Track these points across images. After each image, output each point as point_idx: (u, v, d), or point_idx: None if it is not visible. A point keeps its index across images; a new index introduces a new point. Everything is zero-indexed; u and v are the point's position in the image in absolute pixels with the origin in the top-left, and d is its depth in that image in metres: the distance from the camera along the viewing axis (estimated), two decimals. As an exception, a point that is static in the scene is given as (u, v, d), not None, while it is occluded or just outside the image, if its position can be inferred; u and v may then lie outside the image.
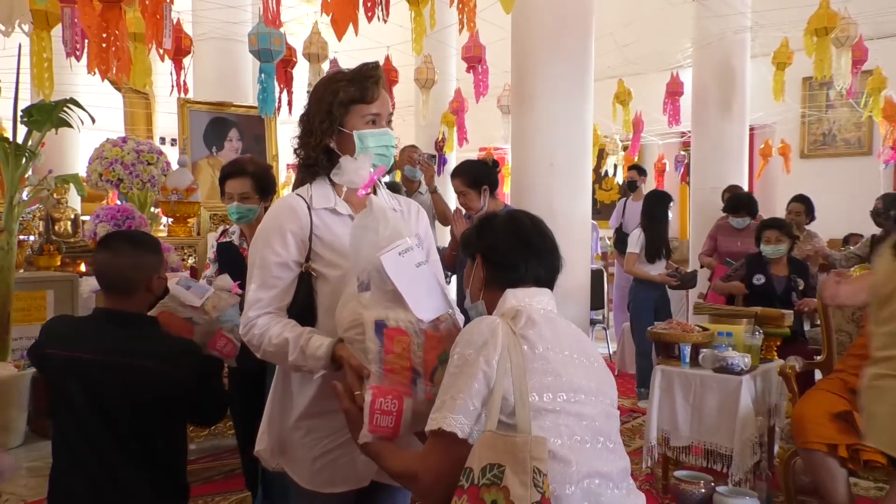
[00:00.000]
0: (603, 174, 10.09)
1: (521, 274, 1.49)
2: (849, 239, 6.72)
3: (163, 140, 11.39)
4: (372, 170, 1.56)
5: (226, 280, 2.23)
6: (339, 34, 2.96)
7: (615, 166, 9.41)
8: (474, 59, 5.29)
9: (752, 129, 8.62)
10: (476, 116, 7.24)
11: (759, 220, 5.53)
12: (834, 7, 4.81)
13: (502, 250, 1.51)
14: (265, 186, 2.79)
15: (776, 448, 3.43)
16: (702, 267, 5.69)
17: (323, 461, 1.66)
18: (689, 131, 8.73)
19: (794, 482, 3.21)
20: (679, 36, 7.23)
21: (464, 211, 3.65)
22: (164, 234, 4.28)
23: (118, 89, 8.73)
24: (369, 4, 2.88)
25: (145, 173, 4.48)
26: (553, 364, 1.33)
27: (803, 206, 5.67)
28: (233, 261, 2.77)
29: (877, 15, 5.64)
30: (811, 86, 8.76)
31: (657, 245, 5.18)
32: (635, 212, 6.06)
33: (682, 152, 9.53)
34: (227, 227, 3.03)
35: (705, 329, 3.56)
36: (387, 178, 4.53)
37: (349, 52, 6.24)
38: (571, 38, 4.29)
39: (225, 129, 4.84)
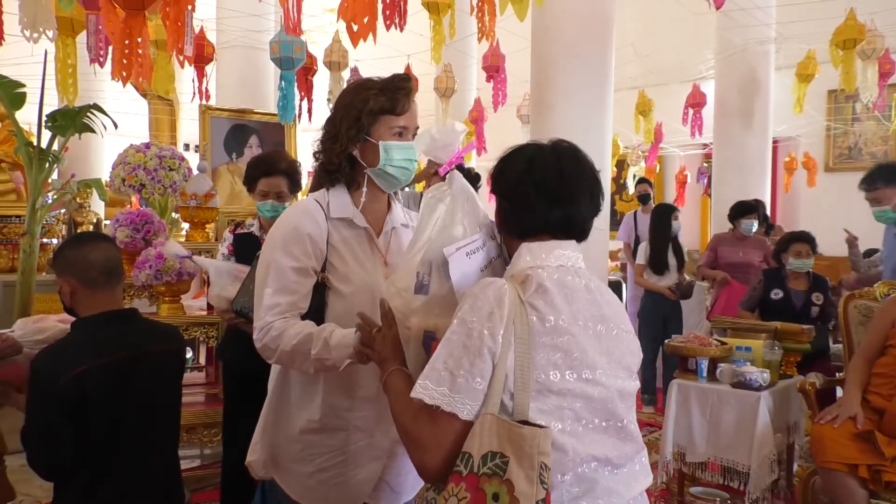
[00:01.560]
0: (623, 185, 10.02)
1: (536, 222, 1.31)
2: (871, 254, 6.59)
3: (186, 146, 11.54)
4: (460, 147, 1.45)
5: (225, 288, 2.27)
6: (355, 41, 2.97)
7: (635, 177, 9.36)
8: (493, 68, 5.29)
9: (775, 141, 8.52)
10: (495, 126, 7.24)
11: (777, 231, 5.46)
12: (861, 19, 4.74)
13: (514, 192, 1.33)
14: (296, 181, 2.84)
15: (795, 466, 3.36)
16: (703, 279, 5.60)
17: (318, 478, 1.63)
18: (710, 143, 8.68)
19: (813, 502, 3.14)
20: (702, 47, 7.18)
21: None
22: (183, 240, 4.32)
23: (143, 96, 8.86)
24: (388, 13, 2.89)
25: (167, 178, 4.52)
26: (564, 338, 1.20)
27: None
28: (253, 250, 2.77)
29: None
30: (837, 98, 8.64)
31: (660, 256, 5.24)
32: (647, 224, 6.03)
33: (705, 164, 9.45)
34: (239, 222, 3.05)
35: (723, 343, 3.50)
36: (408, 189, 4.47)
37: (369, 61, 6.28)
38: (591, 47, 4.28)
39: (245, 135, 4.87)
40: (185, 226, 5.94)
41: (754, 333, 3.63)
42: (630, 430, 1.27)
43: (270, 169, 2.77)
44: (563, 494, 1.19)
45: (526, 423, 1.14)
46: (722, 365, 3.38)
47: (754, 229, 5.13)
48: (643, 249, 5.40)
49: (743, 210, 5.21)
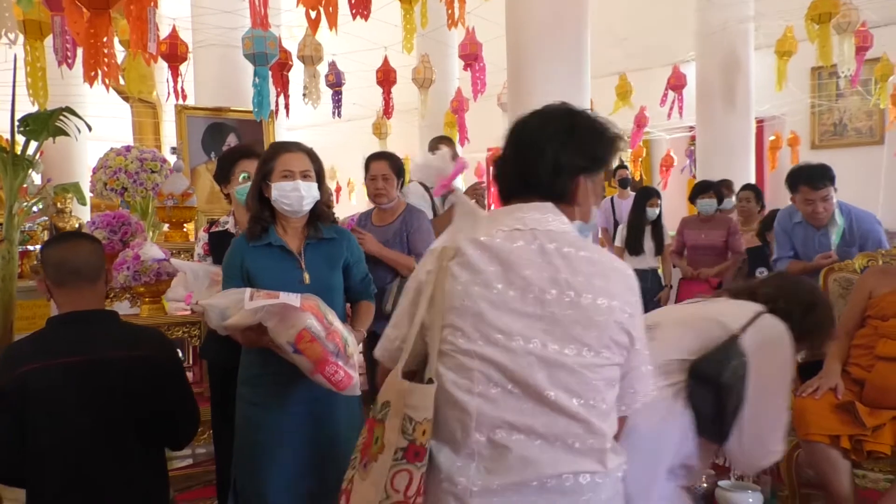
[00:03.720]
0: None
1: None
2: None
3: (173, 149, 11.48)
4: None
5: (176, 291, 2.26)
6: (314, 28, 2.94)
7: (621, 161, 9.34)
8: (471, 56, 5.26)
9: (760, 121, 8.51)
10: (477, 115, 7.22)
11: (764, 213, 5.44)
12: (834, -7, 4.73)
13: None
14: None
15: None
16: (674, 266, 5.61)
17: None
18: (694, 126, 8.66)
19: (797, 475, 3.14)
20: (682, 29, 7.16)
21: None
22: (160, 241, 4.30)
23: (125, 99, 8.81)
24: (353, 1, 2.86)
25: (149, 181, 4.49)
26: (475, 301, 1.23)
27: (752, 192, 5.49)
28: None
29: (881, 1, 5.54)
30: (820, 75, 8.64)
31: (636, 238, 5.35)
32: (625, 209, 6.09)
33: (692, 147, 9.43)
34: (213, 220, 2.97)
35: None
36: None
37: (346, 54, 6.26)
38: (566, 31, 4.26)
39: (223, 134, 4.85)
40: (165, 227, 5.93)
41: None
42: (558, 404, 1.21)
43: (249, 152, 2.72)
44: (474, 454, 1.22)
45: (431, 381, 1.24)
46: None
47: (712, 209, 4.98)
48: (621, 232, 5.46)
49: (699, 190, 5.12)
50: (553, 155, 1.31)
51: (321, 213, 2.30)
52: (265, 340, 1.99)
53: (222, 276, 2.29)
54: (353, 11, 2.86)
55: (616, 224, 6.55)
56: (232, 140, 4.87)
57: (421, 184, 4.26)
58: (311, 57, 4.70)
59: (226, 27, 5.70)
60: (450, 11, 3.30)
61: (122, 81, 5.40)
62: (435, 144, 4.36)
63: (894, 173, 8.23)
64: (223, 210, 4.58)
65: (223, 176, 2.76)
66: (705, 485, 3.19)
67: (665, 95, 6.91)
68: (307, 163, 2.24)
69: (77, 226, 5.51)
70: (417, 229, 3.30)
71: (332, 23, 2.86)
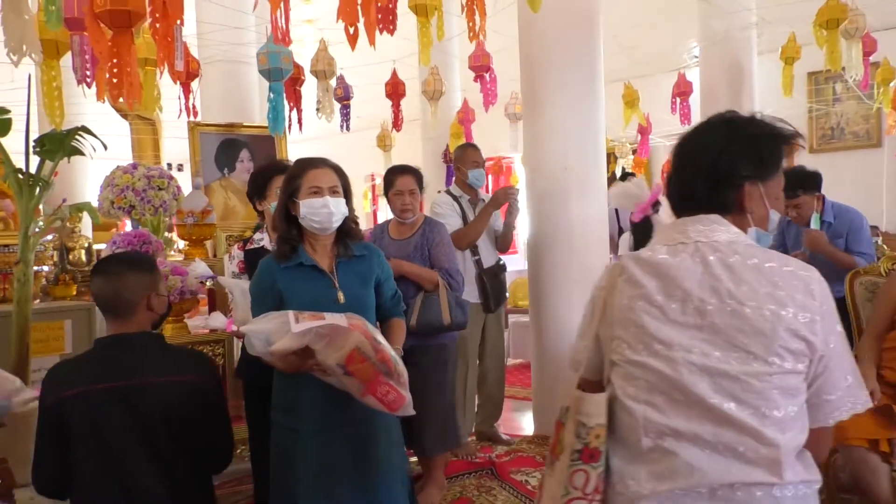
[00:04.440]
0: (612, 178, 10.06)
1: (672, 200, 1.44)
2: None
3: (169, 165, 11.44)
4: None
5: (217, 319, 2.22)
6: (353, 44, 2.93)
7: (623, 169, 9.38)
8: (482, 67, 5.27)
9: (760, 126, 8.55)
10: (482, 126, 7.23)
11: None
12: (841, -1, 4.79)
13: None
14: None
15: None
16: None
17: None
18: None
19: (835, 480, 3.14)
20: (684, 36, 7.21)
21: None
22: (181, 258, 4.27)
23: (124, 117, 8.76)
24: (381, 16, 2.86)
25: (157, 198, 4.47)
26: (632, 315, 1.32)
27: None
28: None
29: (882, 6, 5.60)
30: (817, 80, 8.72)
31: (643, 246, 5.27)
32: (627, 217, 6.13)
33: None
34: (247, 238, 2.96)
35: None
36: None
37: (354, 69, 6.25)
38: (579, 41, 4.27)
39: (236, 150, 4.83)
40: (179, 244, 5.88)
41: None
42: (723, 412, 1.23)
43: (284, 167, 2.72)
44: (643, 459, 1.30)
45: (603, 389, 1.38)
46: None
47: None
48: (626, 241, 5.46)
49: None
50: (710, 167, 1.36)
51: (350, 229, 2.28)
52: (309, 365, 1.96)
53: (252, 300, 2.25)
54: (380, 27, 2.85)
55: (620, 232, 6.59)
56: (245, 156, 4.85)
57: (448, 192, 4.27)
58: (323, 71, 4.70)
59: (233, 42, 5.69)
60: (470, 24, 3.29)
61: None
62: (463, 150, 4.38)
63: (894, 177, 8.31)
64: (240, 226, 4.57)
65: (258, 192, 2.75)
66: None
67: (674, 103, 6.95)
68: (335, 178, 2.22)
69: (86, 246, 5.46)
70: (439, 242, 3.29)
71: (372, 39, 2.85)
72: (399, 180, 3.35)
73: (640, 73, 7.99)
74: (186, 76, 4.76)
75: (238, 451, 3.68)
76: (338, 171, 2.26)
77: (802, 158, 8.79)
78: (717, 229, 1.35)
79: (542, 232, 4.41)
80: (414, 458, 3.41)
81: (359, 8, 2.70)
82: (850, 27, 4.79)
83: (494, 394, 4.52)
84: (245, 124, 4.99)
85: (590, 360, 1.44)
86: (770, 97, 7.13)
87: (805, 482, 1.28)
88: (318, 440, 2.14)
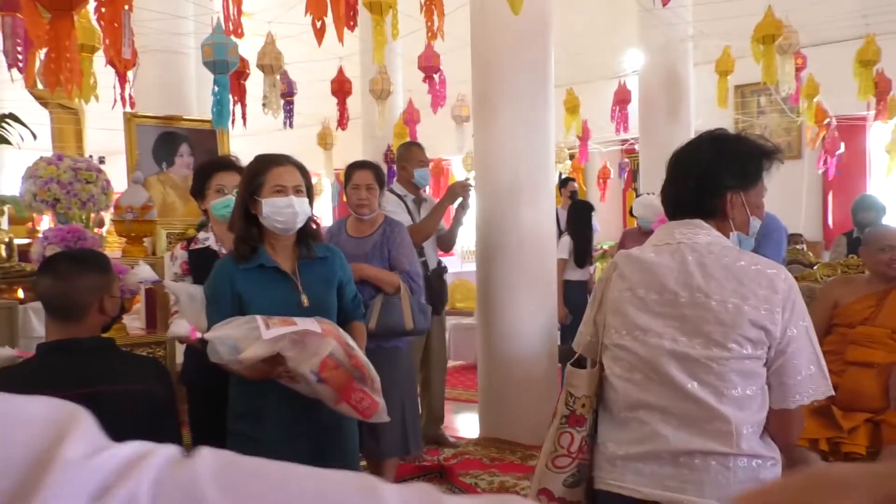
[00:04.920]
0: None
1: (667, 207, 1.63)
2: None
3: (91, 157, 10.91)
4: None
5: (181, 326, 2.04)
6: (320, 39, 2.85)
7: (560, 175, 9.55)
8: (432, 68, 5.24)
9: (690, 135, 8.88)
10: (426, 127, 7.21)
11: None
12: (776, 16, 5.00)
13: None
14: None
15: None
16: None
17: None
18: (631, 139, 8.96)
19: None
20: (625, 45, 7.40)
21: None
22: (119, 256, 4.05)
23: (44, 105, 8.30)
24: (351, 13, 2.79)
25: (84, 192, 4.23)
26: (620, 305, 1.54)
27: None
28: (212, 267, 2.59)
29: (809, 24, 5.90)
30: (743, 93, 9.11)
31: (586, 251, 5.58)
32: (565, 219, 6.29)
33: (626, 159, 9.75)
34: (190, 237, 2.80)
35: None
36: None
37: (299, 64, 6.12)
38: (532, 45, 4.31)
39: (175, 143, 4.63)
40: (105, 238, 5.60)
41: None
42: (686, 389, 1.44)
43: (225, 164, 2.62)
44: (621, 426, 1.52)
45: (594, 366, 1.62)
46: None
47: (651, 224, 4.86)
48: (565, 243, 5.53)
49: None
50: (698, 177, 1.55)
51: (311, 230, 2.17)
52: (278, 372, 1.87)
53: (207, 303, 2.13)
54: (351, 24, 2.78)
55: (560, 234, 6.70)
56: (184, 150, 4.66)
57: (391, 191, 4.18)
58: (270, 66, 4.56)
59: (170, 32, 5.47)
60: (428, 23, 3.26)
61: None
62: (408, 148, 4.30)
63: (814, 188, 8.77)
64: (181, 223, 4.38)
65: (198, 190, 2.62)
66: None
67: (614, 110, 7.11)
68: (299, 177, 2.12)
69: (7, 241, 5.12)
70: (401, 243, 3.21)
71: (340, 34, 2.77)
72: (356, 174, 3.24)
73: (581, 79, 8.15)
74: (127, 65, 4.53)
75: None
76: (301, 169, 2.17)
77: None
78: (699, 233, 1.53)
79: (491, 235, 4.42)
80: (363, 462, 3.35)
81: (328, 2, 2.63)
82: (784, 43, 5.02)
83: (438, 396, 4.50)
84: (185, 117, 4.79)
85: (589, 342, 1.66)
86: (704, 107, 7.40)
87: (759, 456, 1.44)
88: (283, 450, 2.00)
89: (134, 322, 4.15)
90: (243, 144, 5.85)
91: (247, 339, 1.80)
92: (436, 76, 5.31)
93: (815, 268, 3.70)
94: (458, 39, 4.63)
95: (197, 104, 5.99)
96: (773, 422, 1.48)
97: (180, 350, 4.35)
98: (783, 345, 1.46)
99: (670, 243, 1.54)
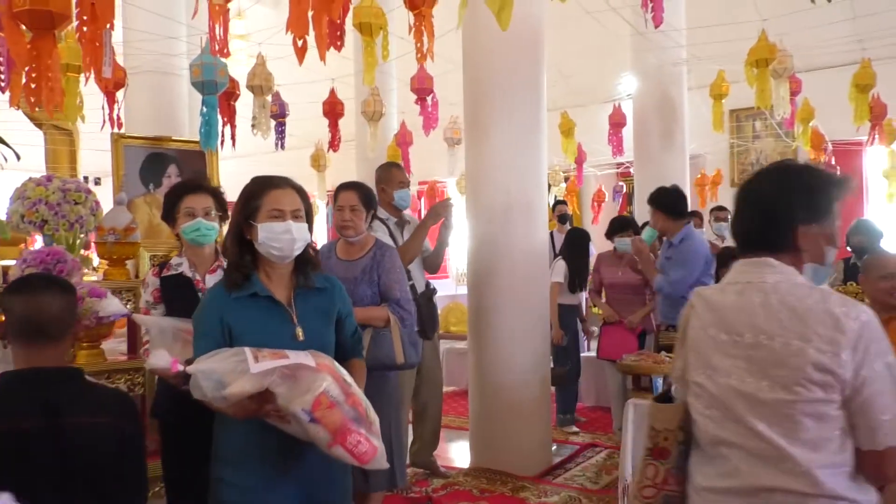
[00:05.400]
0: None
1: (738, 242, 1.64)
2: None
3: (86, 179, 10.88)
4: None
5: (161, 358, 1.78)
6: (301, 57, 2.80)
7: (555, 198, 9.52)
8: (425, 90, 5.20)
9: (686, 158, 8.87)
10: (419, 149, 7.17)
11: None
12: (770, 40, 4.99)
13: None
14: (223, 203, 2.61)
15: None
16: (594, 306, 5.74)
17: None
18: (626, 162, 8.93)
19: None
20: (619, 69, 7.39)
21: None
22: (99, 279, 3.96)
23: (39, 126, 8.26)
24: (330, 31, 2.74)
25: (72, 213, 4.16)
26: (697, 343, 1.58)
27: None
28: (186, 297, 2.45)
29: (804, 49, 5.90)
30: (738, 118, 9.11)
31: (580, 278, 5.52)
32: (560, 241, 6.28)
33: (620, 183, 9.73)
34: (163, 262, 2.70)
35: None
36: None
37: (291, 86, 6.09)
38: (524, 67, 4.28)
39: (163, 165, 4.56)
40: (94, 262, 5.52)
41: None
42: (756, 430, 1.45)
43: (194, 186, 2.53)
44: (707, 459, 1.56)
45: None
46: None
47: (629, 248, 4.70)
48: (560, 268, 5.49)
49: (617, 227, 4.99)
50: (767, 211, 1.55)
51: (310, 258, 2.02)
52: (267, 410, 1.70)
53: (195, 334, 1.98)
54: (329, 41, 2.73)
55: (554, 256, 6.65)
56: (173, 171, 4.59)
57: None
58: (260, 87, 4.52)
59: (161, 53, 5.43)
60: (418, 45, 3.22)
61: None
62: (387, 170, 4.20)
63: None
64: (167, 245, 4.29)
65: (169, 215, 2.54)
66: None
67: (611, 134, 7.09)
68: (298, 201, 1.97)
69: (-9, 262, 5.03)
70: (391, 268, 3.11)
71: (322, 54, 2.72)
72: (341, 196, 3.16)
73: (575, 102, 8.14)
74: (112, 85, 4.48)
75: (156, 489, 3.41)
76: (300, 192, 2.02)
77: (724, 192, 9.17)
78: (766, 271, 1.52)
79: (483, 259, 4.35)
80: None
81: (310, 21, 2.57)
82: (778, 67, 4.99)
83: (433, 423, 4.38)
84: (173, 138, 4.73)
85: (680, 376, 1.68)
86: (698, 131, 7.38)
87: (842, 499, 1.42)
88: (271, 498, 1.88)
89: (120, 346, 4.05)
90: (234, 166, 5.81)
91: (233, 372, 1.65)
92: (428, 98, 5.27)
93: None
94: (452, 62, 4.60)
95: (189, 126, 5.94)
96: (863, 462, 1.45)
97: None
98: (858, 386, 1.40)
99: (738, 282, 1.56)
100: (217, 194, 2.58)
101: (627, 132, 7.25)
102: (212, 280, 2.52)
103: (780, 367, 1.43)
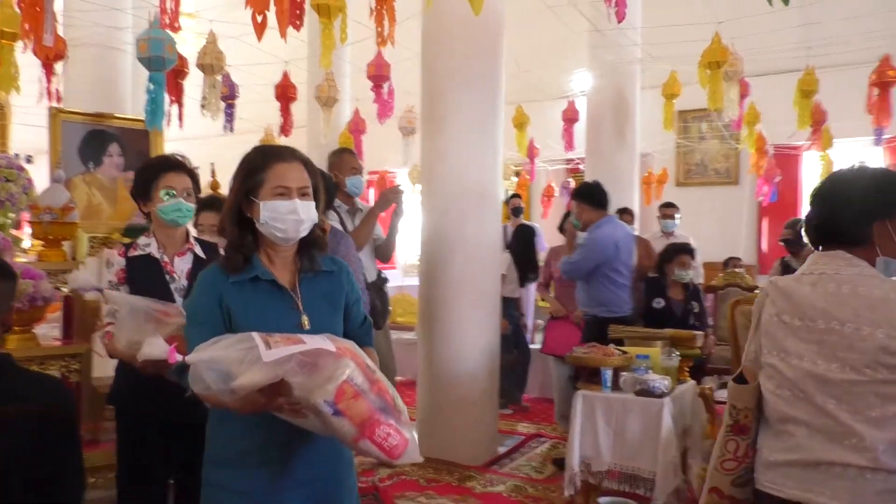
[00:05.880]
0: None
1: (813, 236, 1.79)
2: (728, 262, 7.11)
3: (17, 156, 10.36)
4: None
5: (156, 347, 1.52)
6: (260, 33, 2.69)
7: (506, 192, 9.54)
8: (381, 77, 5.11)
9: (633, 157, 9.01)
10: (372, 138, 7.07)
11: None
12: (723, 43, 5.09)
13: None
14: (199, 189, 2.51)
15: (696, 469, 3.46)
16: (542, 300, 5.83)
17: None
18: (577, 158, 9.02)
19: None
20: (574, 65, 7.45)
21: None
22: (33, 260, 3.76)
23: (-34, 98, 7.83)
24: (297, 13, 2.64)
25: (2, 191, 3.96)
26: (771, 328, 1.73)
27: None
28: (153, 279, 2.34)
29: (752, 53, 6.04)
30: (685, 119, 9.31)
31: (526, 271, 5.70)
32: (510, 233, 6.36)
33: (569, 179, 9.81)
34: (129, 242, 2.55)
35: (624, 352, 3.55)
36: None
37: (243, 67, 5.92)
38: (484, 58, 4.26)
39: (104, 143, 4.35)
40: (26, 243, 5.25)
41: (650, 341, 3.72)
42: (825, 409, 1.60)
43: (174, 164, 2.39)
44: (774, 435, 1.72)
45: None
46: (624, 374, 3.42)
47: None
48: (505, 261, 5.58)
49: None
50: (844, 209, 1.68)
51: (316, 239, 1.81)
52: (279, 404, 1.51)
53: (189, 321, 1.77)
54: (295, 21, 2.64)
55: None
56: (114, 150, 4.40)
57: None
58: (211, 66, 4.36)
59: (105, 25, 5.20)
60: (378, 29, 3.15)
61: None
62: (339, 155, 4.12)
63: (750, 213, 9.00)
64: (105, 227, 4.11)
65: (143, 192, 2.41)
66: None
67: (565, 129, 7.13)
68: (305, 177, 1.75)
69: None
70: (345, 257, 3.04)
71: (283, 30, 2.62)
72: None
73: (530, 97, 8.16)
74: (52, 56, 4.25)
75: (93, 480, 3.26)
76: (308, 166, 1.80)
77: (669, 191, 9.37)
78: (840, 263, 1.68)
79: (437, 250, 4.32)
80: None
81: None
82: (730, 70, 5.10)
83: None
84: (116, 115, 4.53)
85: (754, 359, 1.81)
86: (647, 130, 7.51)
87: None
88: (279, 501, 1.70)
89: (53, 331, 3.86)
90: (179, 148, 5.59)
91: (242, 362, 1.44)
92: (385, 86, 5.19)
93: (756, 291, 3.72)
94: (409, 50, 4.53)
95: (132, 104, 5.71)
96: None
97: (102, 365, 4.08)
98: None
99: (813, 273, 1.71)
100: (194, 175, 2.46)
101: (579, 129, 7.31)
102: (181, 263, 2.42)
103: (851, 351, 1.58)
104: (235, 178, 1.76)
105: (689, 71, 5.60)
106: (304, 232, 1.75)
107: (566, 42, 7.21)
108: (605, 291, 4.31)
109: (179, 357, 1.45)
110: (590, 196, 4.42)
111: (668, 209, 6.23)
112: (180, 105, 4.61)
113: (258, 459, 1.69)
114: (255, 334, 1.47)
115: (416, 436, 1.57)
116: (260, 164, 1.73)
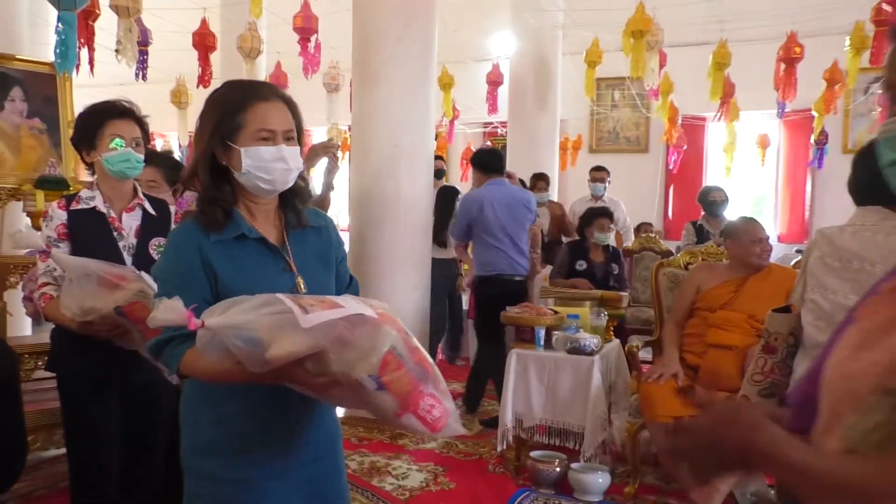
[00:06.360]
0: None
1: (857, 192, 2.09)
2: (640, 227, 7.41)
3: None
4: None
5: (173, 310, 1.24)
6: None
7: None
8: (309, 30, 4.92)
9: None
10: (295, 94, 6.81)
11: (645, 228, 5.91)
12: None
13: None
14: (149, 139, 2.33)
15: (619, 423, 3.64)
16: (460, 261, 5.92)
17: None
18: (497, 122, 9.10)
19: (642, 453, 3.44)
20: (497, 27, 7.44)
21: None
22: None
23: None
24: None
25: None
26: (815, 269, 2.09)
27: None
28: (98, 234, 2.15)
29: (668, 25, 6.23)
30: (599, 86, 9.53)
31: (441, 231, 5.60)
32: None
33: (487, 142, 9.88)
34: (71, 195, 2.34)
35: (556, 312, 3.67)
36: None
37: (159, 11, 5.55)
38: (418, 15, 4.19)
39: (6, 86, 3.98)
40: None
41: (580, 302, 3.85)
42: None
43: (122, 110, 2.17)
44: (805, 354, 2.08)
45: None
46: (556, 333, 3.53)
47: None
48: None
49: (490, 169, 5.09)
50: (880, 172, 1.78)
51: (299, 189, 1.59)
52: (301, 375, 1.28)
53: (164, 286, 1.49)
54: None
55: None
56: (17, 94, 4.04)
57: None
58: (126, 8, 4.05)
59: (-1, -43, 4.72)
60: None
61: None
62: None
63: (658, 181, 9.40)
64: (16, 179, 3.80)
65: (87, 139, 2.20)
66: (558, 468, 3.36)
67: (488, 92, 7.14)
68: (290, 118, 1.52)
69: None
70: None
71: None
72: None
73: (455, 58, 8.10)
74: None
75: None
76: (290, 105, 1.55)
77: (582, 156, 9.62)
78: (877, 217, 2.01)
79: (367, 210, 4.27)
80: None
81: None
82: (651, 39, 5.25)
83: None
84: (19, 57, 4.16)
85: (799, 295, 2.16)
86: (567, 96, 7.65)
87: None
88: (278, 492, 1.51)
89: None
90: (88, 95, 5.19)
91: (275, 328, 1.22)
92: (311, 39, 5.00)
93: (678, 255, 3.91)
94: (337, 3, 4.39)
95: (29, 44, 5.24)
96: None
97: (16, 324, 3.81)
98: None
99: (855, 224, 2.04)
100: (143, 124, 2.26)
101: (502, 91, 7.35)
102: (129, 220, 2.22)
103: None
104: (205, 121, 1.52)
105: (606, 39, 5.72)
106: (291, 181, 1.55)
107: (490, 1, 7.19)
108: (481, 252, 4.48)
109: (199, 321, 1.21)
110: (478, 162, 4.66)
111: (597, 172, 6.24)
112: (90, 49, 4.28)
113: (260, 443, 1.50)
114: (281, 296, 1.26)
115: (454, 406, 1.43)
116: (238, 104, 1.49)
